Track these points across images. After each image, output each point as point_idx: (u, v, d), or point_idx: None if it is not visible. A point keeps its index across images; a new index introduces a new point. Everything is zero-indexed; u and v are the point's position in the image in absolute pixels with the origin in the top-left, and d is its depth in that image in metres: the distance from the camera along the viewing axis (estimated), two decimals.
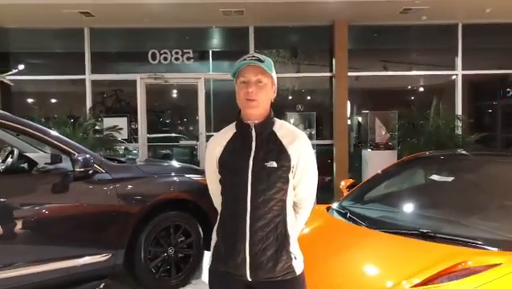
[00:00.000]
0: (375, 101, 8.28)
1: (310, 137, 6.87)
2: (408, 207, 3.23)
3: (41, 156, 4.21)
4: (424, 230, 2.56)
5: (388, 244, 2.55)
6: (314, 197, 1.94)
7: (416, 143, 6.26)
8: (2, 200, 3.20)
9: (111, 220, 3.61)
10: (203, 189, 4.18)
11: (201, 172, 4.64)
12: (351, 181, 4.01)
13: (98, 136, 6.92)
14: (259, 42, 7.27)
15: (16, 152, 4.28)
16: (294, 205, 1.88)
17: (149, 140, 7.50)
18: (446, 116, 6.60)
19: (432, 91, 7.34)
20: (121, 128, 7.11)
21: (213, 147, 1.85)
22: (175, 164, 4.73)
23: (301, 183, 1.83)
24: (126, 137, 7.23)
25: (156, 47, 7.24)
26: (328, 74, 7.37)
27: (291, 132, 1.84)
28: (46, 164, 3.97)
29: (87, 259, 3.47)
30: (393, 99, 8.21)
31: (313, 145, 6.72)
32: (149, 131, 7.55)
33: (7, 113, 3.60)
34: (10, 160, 4.29)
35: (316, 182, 1.92)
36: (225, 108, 8.74)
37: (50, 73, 7.52)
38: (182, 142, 7.79)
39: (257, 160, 1.75)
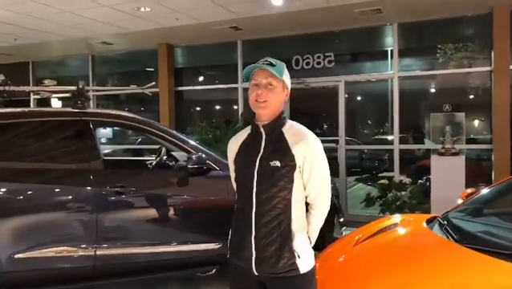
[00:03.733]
0: None
1: (459, 142, 6.15)
2: None
3: (184, 155, 4.91)
4: None
5: (461, 261, 2.24)
6: (328, 197, 1.90)
7: None
8: (149, 190, 3.88)
9: (222, 213, 3.99)
10: None
11: None
12: (473, 189, 3.55)
13: None
14: (404, 39, 6.85)
15: (164, 150, 5.10)
16: (309, 205, 1.89)
17: None
18: None
19: None
20: None
21: (231, 146, 1.99)
22: None
23: (309, 182, 1.85)
24: None
25: (299, 53, 7.52)
26: (486, 68, 6.45)
27: (298, 132, 1.87)
28: (183, 161, 4.64)
29: (202, 246, 3.93)
30: None
31: (463, 150, 6.05)
32: None
33: (147, 120, 4.33)
34: (159, 158, 5.15)
35: (328, 183, 1.89)
36: (366, 110, 8.49)
37: (210, 83, 8.57)
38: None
39: (263, 159, 1.84)
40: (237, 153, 1.95)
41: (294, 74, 7.52)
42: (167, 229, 3.93)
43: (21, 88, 3.88)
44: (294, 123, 1.94)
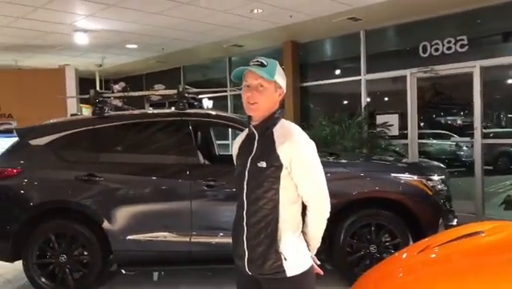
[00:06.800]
0: None
1: None
2: None
3: None
4: None
5: None
6: (324, 198, 1.79)
7: None
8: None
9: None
10: (408, 189, 3.97)
11: (422, 172, 4.29)
12: None
13: (370, 132, 7.30)
14: None
15: None
16: (306, 207, 1.81)
17: (421, 136, 7.22)
18: None
19: None
20: (391, 125, 7.21)
21: (234, 147, 2.01)
22: (397, 162, 4.54)
23: (300, 183, 1.79)
24: (397, 134, 7.24)
25: (427, 39, 6.85)
26: None
27: (287, 132, 1.80)
28: None
29: None
30: None
31: None
32: (427, 127, 7.27)
33: (241, 119, 4.54)
34: None
35: (321, 183, 1.78)
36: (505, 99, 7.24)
37: (334, 77, 8.44)
38: (454, 139, 7.03)
39: (253, 159, 1.83)
40: (237, 154, 1.96)
41: (421, 62, 6.99)
42: None
43: (136, 93, 4.49)
44: (287, 123, 1.86)
